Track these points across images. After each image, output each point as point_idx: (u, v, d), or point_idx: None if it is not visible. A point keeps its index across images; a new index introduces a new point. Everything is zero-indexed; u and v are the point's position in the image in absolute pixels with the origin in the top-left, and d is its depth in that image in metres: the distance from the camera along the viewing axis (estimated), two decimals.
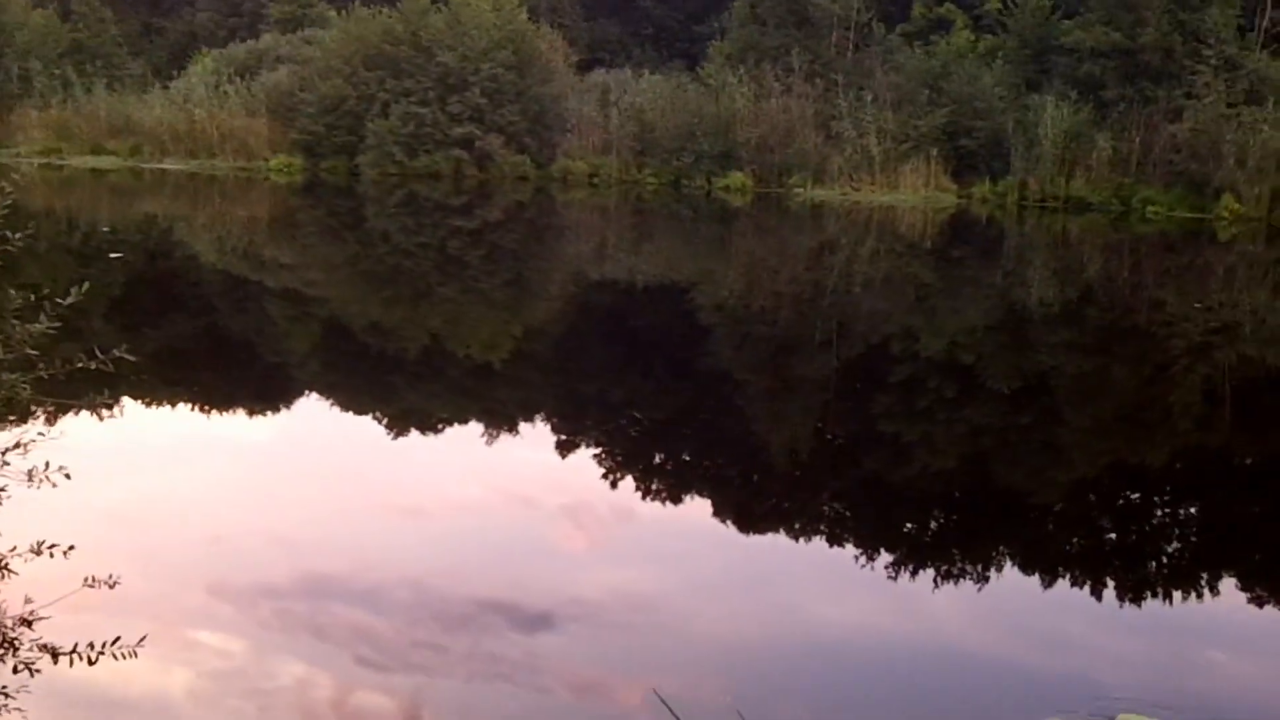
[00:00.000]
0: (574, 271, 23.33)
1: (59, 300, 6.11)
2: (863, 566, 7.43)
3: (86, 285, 6.19)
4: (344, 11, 49.13)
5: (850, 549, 7.83)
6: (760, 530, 8.47)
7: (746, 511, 8.82)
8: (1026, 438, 11.19)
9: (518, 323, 17.59)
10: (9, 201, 7.10)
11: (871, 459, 10.37)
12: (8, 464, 6.54)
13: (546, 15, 52.22)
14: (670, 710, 3.40)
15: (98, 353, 6.12)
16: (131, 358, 6.29)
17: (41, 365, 6.35)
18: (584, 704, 5.38)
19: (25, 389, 6.34)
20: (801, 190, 39.76)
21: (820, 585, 7.31)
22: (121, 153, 44.67)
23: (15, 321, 6.38)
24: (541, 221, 33.46)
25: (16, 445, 6.61)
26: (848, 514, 9.01)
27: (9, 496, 6.64)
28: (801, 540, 8.19)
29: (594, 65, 51.55)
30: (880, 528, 8.48)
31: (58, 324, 6.22)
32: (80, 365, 6.16)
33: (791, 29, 43.82)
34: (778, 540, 8.20)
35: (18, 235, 6.86)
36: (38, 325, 6.23)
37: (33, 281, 6.31)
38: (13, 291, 6.71)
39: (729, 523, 8.56)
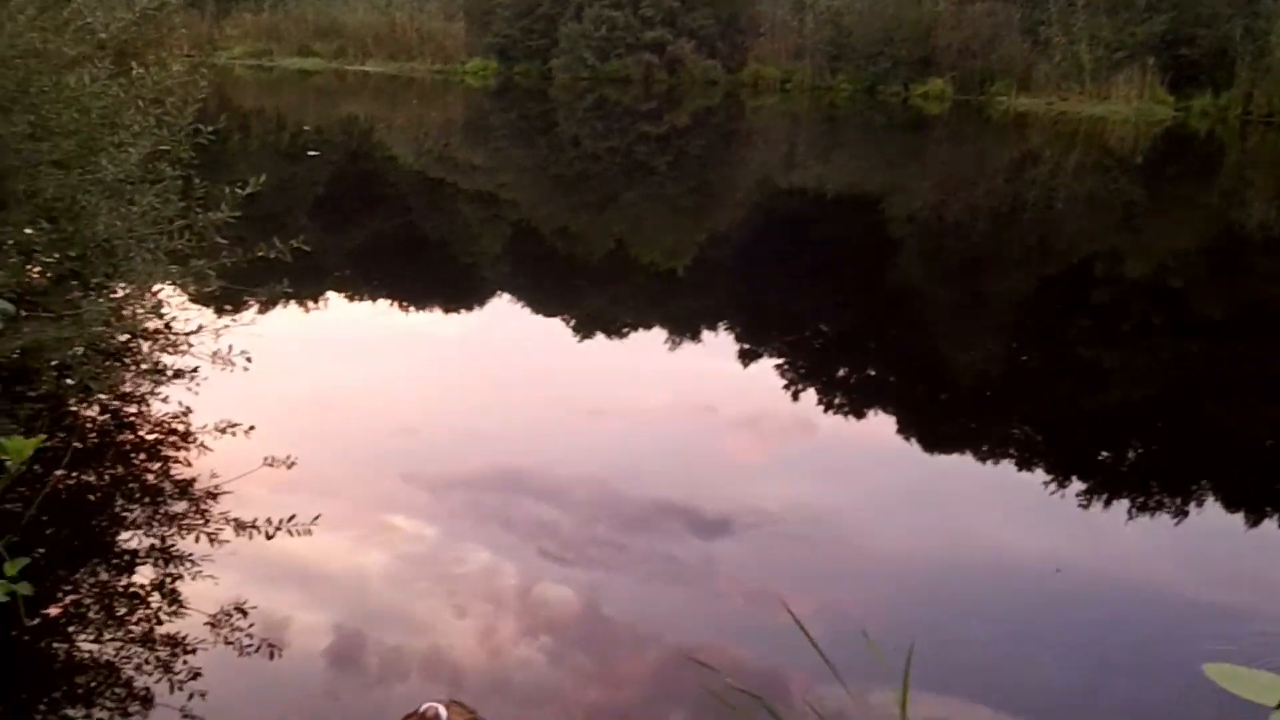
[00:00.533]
0: (761, 179, 23.02)
1: (237, 189, 6.37)
2: (1051, 494, 7.18)
3: (264, 177, 6.44)
4: None
5: (1039, 475, 7.56)
6: (945, 450, 8.27)
7: (931, 431, 8.62)
8: (1238, 370, 10.59)
9: (703, 230, 17.50)
10: (201, 98, 7.43)
11: (1067, 384, 9.98)
12: (190, 346, 6.91)
13: None
14: (800, 625, 3.34)
15: (276, 243, 6.38)
16: (307, 248, 6.54)
17: (225, 253, 6.69)
18: (757, 610, 5.36)
19: (211, 274, 6.67)
20: (1004, 99, 38.10)
21: (1004, 511, 7.10)
22: (326, 55, 45.91)
23: (199, 210, 6.69)
24: (729, 127, 33.06)
25: (199, 330, 6.97)
26: (1039, 440, 8.71)
27: (204, 378, 7.03)
28: (988, 464, 7.96)
29: None
30: (1073, 457, 8.17)
31: (237, 213, 6.51)
32: (261, 255, 6.44)
33: None
34: (962, 462, 7.98)
35: (210, 129, 7.17)
36: (219, 214, 6.53)
37: (237, 177, 6.54)
38: (207, 184, 7.03)
39: (912, 441, 8.39)
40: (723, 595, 5.49)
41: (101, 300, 5.98)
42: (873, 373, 10.59)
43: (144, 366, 6.93)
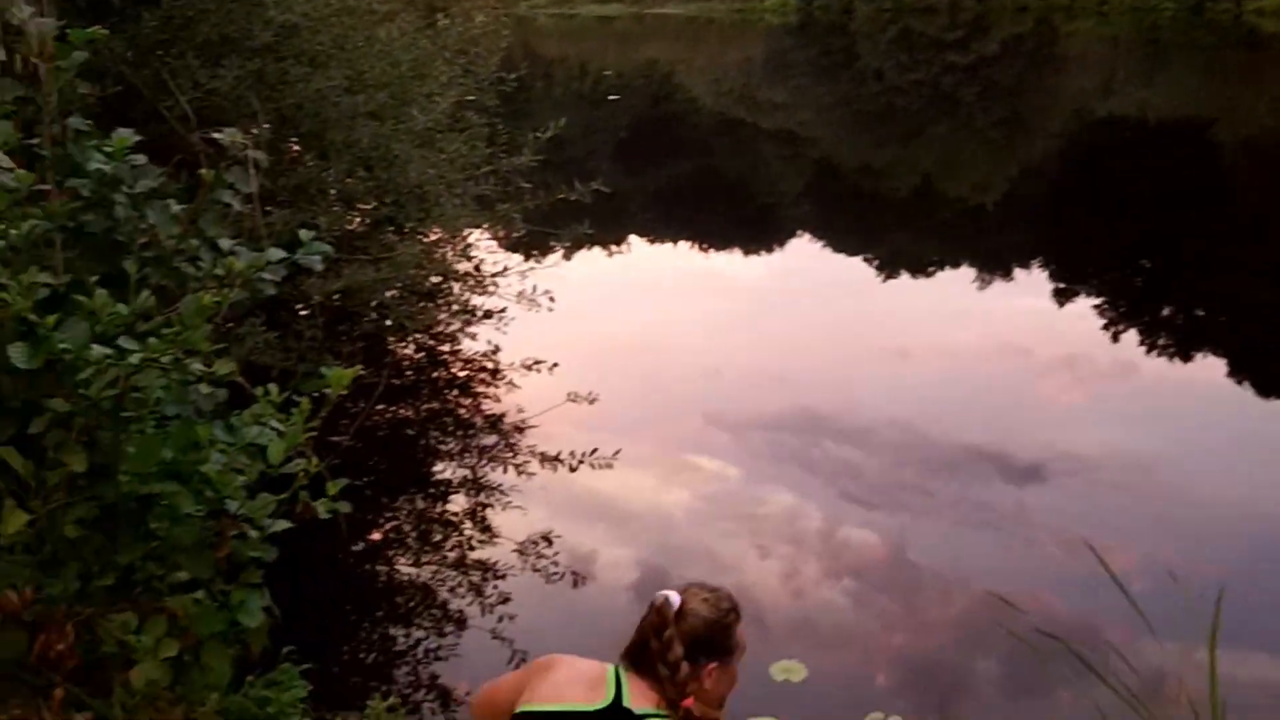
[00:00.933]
0: (1077, 107, 21.68)
1: (538, 134, 6.52)
2: None
3: (564, 121, 6.57)
4: None
5: None
6: (1277, 397, 7.57)
7: (1264, 376, 7.89)
8: None
9: (1013, 162, 16.71)
10: (503, 47, 7.65)
11: None
12: (497, 287, 7.17)
13: None
14: (1109, 572, 3.09)
15: (578, 185, 6.50)
16: (607, 190, 6.63)
17: (529, 197, 6.89)
18: (1072, 560, 5.01)
19: (517, 218, 6.89)
20: None
21: None
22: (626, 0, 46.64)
23: (503, 154, 6.90)
24: (1041, 54, 31.33)
25: (505, 271, 7.20)
26: None
27: (511, 318, 7.29)
28: None
29: None
30: None
31: (540, 157, 6.65)
32: (563, 197, 6.59)
33: None
34: None
35: (512, 76, 7.38)
36: (522, 158, 6.71)
37: (539, 123, 6.68)
38: (511, 130, 7.23)
39: (1245, 385, 7.69)
40: (1035, 544, 5.23)
41: (415, 244, 6.26)
42: (1200, 313, 9.78)
43: (455, 307, 7.23)
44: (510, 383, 7.14)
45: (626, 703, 2.45)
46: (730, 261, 11.89)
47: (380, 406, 6.28)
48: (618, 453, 5.92)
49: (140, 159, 3.40)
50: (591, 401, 6.40)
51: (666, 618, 2.46)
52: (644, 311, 9.55)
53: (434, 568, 4.99)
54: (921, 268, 11.06)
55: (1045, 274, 10.77)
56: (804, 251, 12.15)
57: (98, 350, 2.98)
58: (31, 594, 3.05)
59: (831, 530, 5.45)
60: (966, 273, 10.84)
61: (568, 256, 10.40)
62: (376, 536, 5.26)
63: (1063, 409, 7.33)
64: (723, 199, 15.26)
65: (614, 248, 12.01)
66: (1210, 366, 8.11)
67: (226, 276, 3.20)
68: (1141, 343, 8.60)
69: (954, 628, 4.47)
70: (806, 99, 23.89)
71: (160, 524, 3.16)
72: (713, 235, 12.80)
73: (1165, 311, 9.78)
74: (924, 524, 5.41)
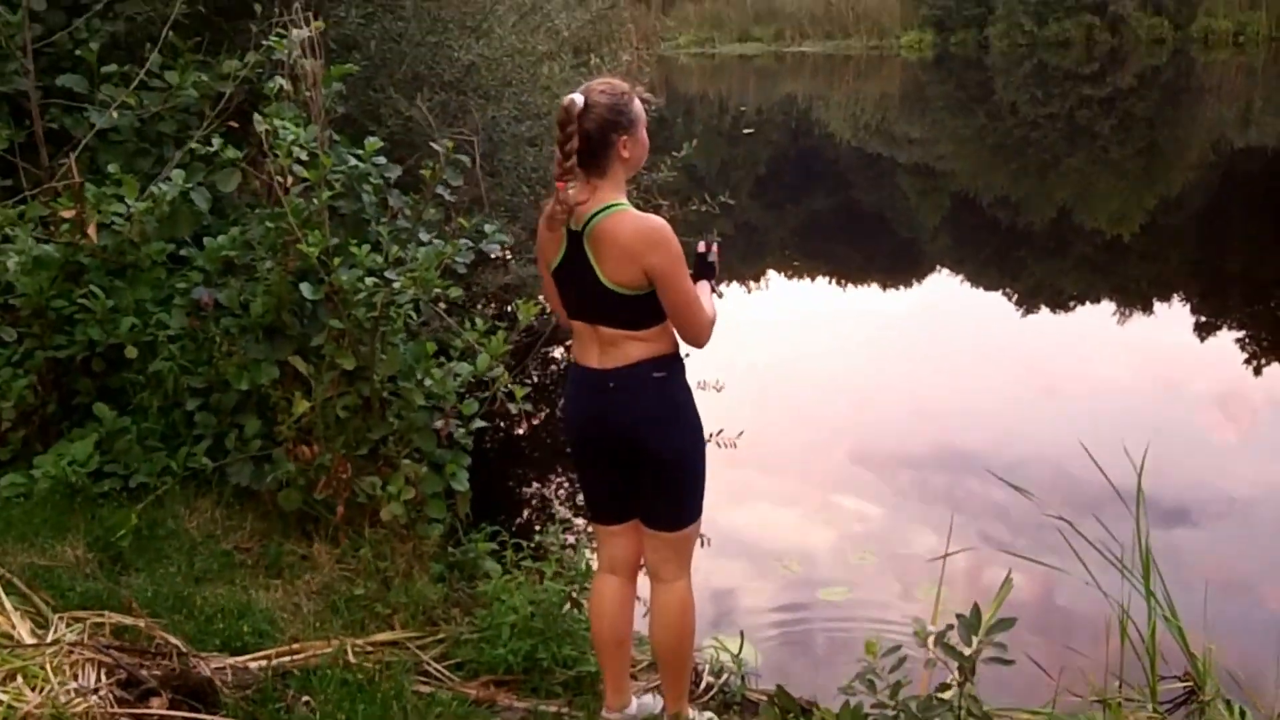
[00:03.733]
0: (1214, 138, 21.60)
1: (675, 154, 7.15)
2: None
3: (695, 142, 7.20)
4: None
5: None
6: None
7: None
8: None
9: (1151, 194, 16.83)
10: (644, 83, 8.34)
11: None
12: None
13: None
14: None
15: (707, 197, 7.11)
16: (731, 201, 7.18)
17: (666, 208, 7.48)
18: (1232, 601, 5.10)
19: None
20: None
21: None
22: (765, 38, 47.28)
23: (644, 171, 7.58)
24: (1178, 86, 30.99)
25: None
26: None
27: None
28: None
29: None
30: None
31: (675, 173, 7.33)
32: (694, 207, 7.24)
33: None
34: None
35: (653, 108, 8.06)
36: (662, 173, 7.35)
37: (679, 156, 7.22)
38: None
39: None
40: (1188, 586, 4.85)
41: None
42: None
43: None
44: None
45: (573, 226, 3.24)
46: (870, 295, 12.30)
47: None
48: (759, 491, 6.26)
49: (381, 160, 4.93)
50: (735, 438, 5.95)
51: (571, 115, 3.14)
52: (784, 344, 9.81)
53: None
54: (1062, 301, 11.41)
55: (1187, 307, 10.98)
56: (943, 285, 12.51)
57: (370, 280, 4.39)
58: (317, 451, 4.52)
59: (976, 573, 5.44)
60: (1107, 306, 11.10)
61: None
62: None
63: (1215, 445, 7.39)
64: (861, 233, 15.70)
65: (753, 282, 12.56)
66: None
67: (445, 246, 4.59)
68: None
69: (1103, 672, 4.27)
70: (943, 133, 24.21)
71: (401, 412, 4.62)
72: (852, 269, 13.27)
73: None
74: (1072, 566, 4.79)
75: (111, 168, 5.05)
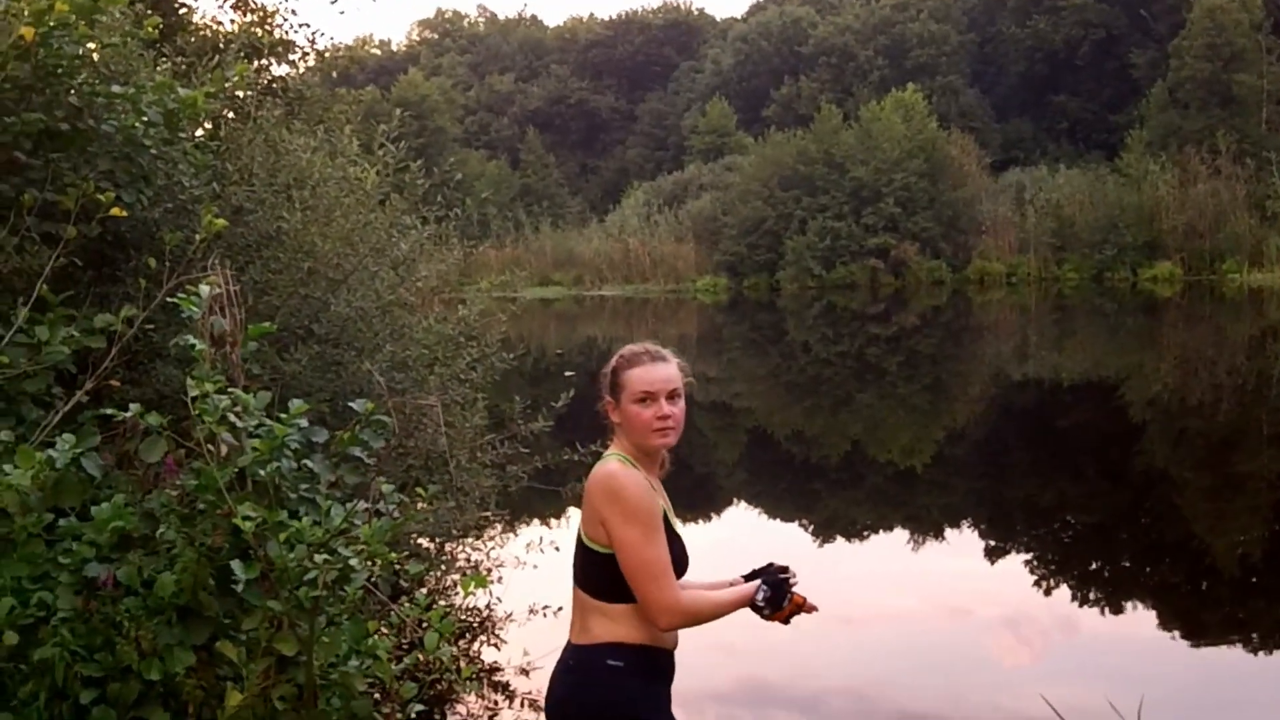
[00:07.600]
0: (994, 372, 22.76)
1: (552, 405, 7.23)
2: None
3: (572, 392, 7.33)
4: (760, 138, 51.33)
5: None
6: (1216, 643, 7.82)
7: (1199, 623, 8.19)
8: None
9: (938, 426, 17.36)
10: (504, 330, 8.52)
11: None
12: (496, 546, 7.68)
13: (957, 120, 51.97)
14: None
15: (577, 446, 7.09)
16: (549, 425, 7.27)
17: (536, 458, 7.66)
18: None
19: (523, 479, 7.57)
20: (1236, 276, 36.95)
21: None
22: (565, 283, 48.60)
23: (519, 421, 7.70)
24: (958, 324, 32.91)
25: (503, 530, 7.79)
26: None
27: (518, 566, 7.67)
28: (1262, 655, 7.49)
29: (1008, 165, 50.78)
30: None
31: (551, 423, 7.42)
32: (567, 456, 7.25)
33: (1215, 109, 41.53)
34: (1237, 657, 7.48)
35: (512, 356, 8.18)
36: (537, 423, 7.55)
37: (507, 396, 7.25)
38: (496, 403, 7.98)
39: (1177, 636, 7.94)
40: None
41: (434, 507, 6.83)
42: (1127, 564, 10.16)
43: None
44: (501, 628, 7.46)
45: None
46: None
47: None
48: None
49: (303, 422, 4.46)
50: None
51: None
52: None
53: None
54: (857, 532, 11.39)
55: (975, 533, 11.15)
56: (740, 518, 12.41)
57: (320, 557, 3.94)
58: None
59: None
60: (900, 535, 11.15)
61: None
62: None
63: (1011, 669, 7.45)
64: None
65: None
66: (1145, 619, 8.35)
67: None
68: (1075, 597, 8.89)
69: None
70: (739, 372, 24.78)
71: (338, 700, 4.24)
72: None
73: (1094, 565, 10.11)
74: None
75: None
